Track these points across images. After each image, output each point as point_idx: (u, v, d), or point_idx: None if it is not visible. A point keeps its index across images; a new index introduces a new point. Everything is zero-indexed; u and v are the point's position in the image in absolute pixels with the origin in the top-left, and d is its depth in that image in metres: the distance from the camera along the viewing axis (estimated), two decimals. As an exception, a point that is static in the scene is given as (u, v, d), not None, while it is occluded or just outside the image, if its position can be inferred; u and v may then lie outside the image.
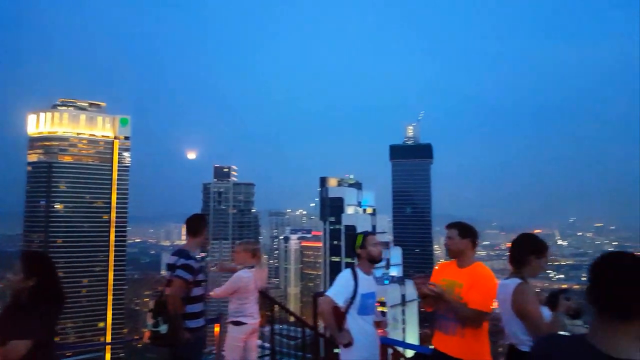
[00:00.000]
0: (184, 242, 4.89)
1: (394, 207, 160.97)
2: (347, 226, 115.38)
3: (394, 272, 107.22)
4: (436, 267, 4.22)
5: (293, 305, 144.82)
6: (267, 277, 6.23)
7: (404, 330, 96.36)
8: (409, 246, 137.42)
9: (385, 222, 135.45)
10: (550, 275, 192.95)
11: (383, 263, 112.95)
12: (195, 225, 4.87)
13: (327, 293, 4.09)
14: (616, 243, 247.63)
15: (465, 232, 3.89)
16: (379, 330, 4.38)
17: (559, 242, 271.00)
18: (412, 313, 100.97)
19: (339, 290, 4.08)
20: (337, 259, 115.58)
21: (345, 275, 4.21)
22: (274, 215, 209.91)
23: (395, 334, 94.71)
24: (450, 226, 3.95)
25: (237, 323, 5.43)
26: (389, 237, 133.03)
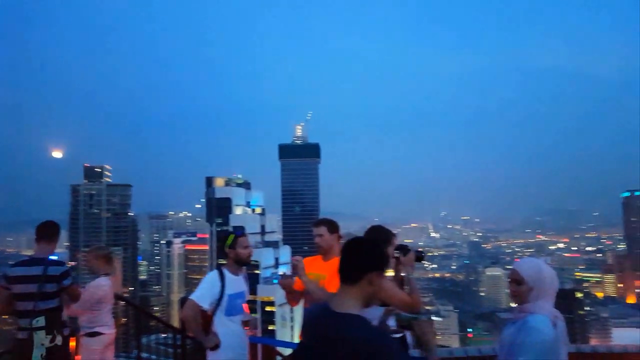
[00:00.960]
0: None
1: (284, 206, 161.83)
2: (235, 227, 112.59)
3: (283, 270, 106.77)
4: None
5: (177, 313, 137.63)
6: (121, 283, 5.76)
7: (292, 328, 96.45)
8: (298, 244, 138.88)
9: (274, 222, 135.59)
10: (425, 265, 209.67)
11: (272, 262, 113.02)
12: (45, 231, 4.53)
13: (191, 297, 3.95)
14: (480, 234, 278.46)
15: (334, 228, 4.05)
16: (247, 329, 4.34)
17: (432, 234, 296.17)
18: (301, 311, 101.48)
19: (203, 294, 3.97)
20: (224, 262, 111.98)
21: (210, 277, 4.12)
22: (155, 218, 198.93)
23: (283, 333, 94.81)
24: (318, 224, 4.06)
25: (93, 334, 4.90)
26: (278, 237, 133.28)
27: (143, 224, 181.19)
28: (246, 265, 4.35)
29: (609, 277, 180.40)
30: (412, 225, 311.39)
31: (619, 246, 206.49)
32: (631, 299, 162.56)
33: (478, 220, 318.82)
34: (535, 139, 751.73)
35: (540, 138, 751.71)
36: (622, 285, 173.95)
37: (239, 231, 4.49)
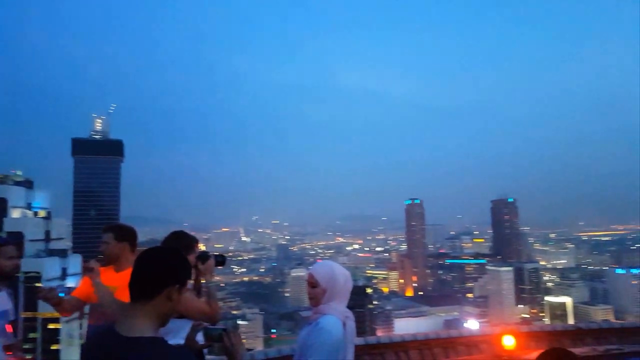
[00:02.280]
0: None
1: (75, 209, 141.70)
2: (10, 233, 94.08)
3: (72, 283, 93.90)
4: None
5: None
6: None
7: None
8: (91, 253, 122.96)
9: (63, 227, 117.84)
10: (234, 269, 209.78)
11: (57, 273, 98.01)
12: None
13: None
14: (288, 237, 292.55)
15: (123, 235, 3.63)
16: (9, 354, 3.51)
17: (243, 238, 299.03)
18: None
19: None
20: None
21: None
22: None
23: (70, 353, 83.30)
24: (105, 230, 3.66)
25: None
26: (67, 244, 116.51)
27: None
28: (10, 279, 3.57)
29: (393, 274, 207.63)
30: (224, 229, 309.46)
31: (401, 246, 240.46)
32: (409, 292, 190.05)
33: (287, 224, 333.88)
34: (337, 153, 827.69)
35: (340, 152, 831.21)
36: (402, 280, 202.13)
37: (2, 239, 3.67)
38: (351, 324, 2.64)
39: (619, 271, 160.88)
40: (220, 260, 3.48)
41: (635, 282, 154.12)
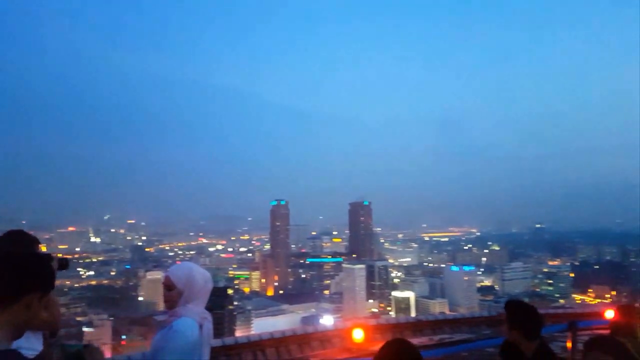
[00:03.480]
0: None
1: None
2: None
3: None
4: None
5: None
6: None
7: None
8: None
9: None
10: (80, 272, 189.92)
11: None
12: None
13: None
14: (145, 237, 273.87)
15: None
16: None
17: (93, 239, 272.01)
18: None
19: None
20: None
21: None
22: None
23: None
24: None
25: None
26: None
27: None
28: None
29: (255, 274, 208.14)
30: (70, 229, 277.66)
31: (265, 247, 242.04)
32: (270, 292, 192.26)
33: (144, 223, 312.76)
34: (206, 153, 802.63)
35: (211, 151, 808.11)
36: (264, 280, 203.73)
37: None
38: (208, 326, 2.61)
39: (454, 268, 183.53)
40: (63, 263, 3.15)
41: (467, 278, 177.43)
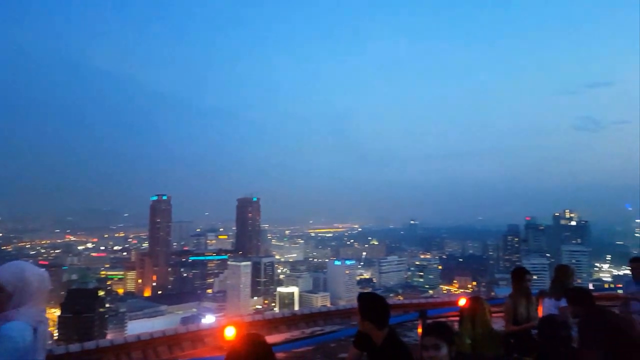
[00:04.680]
0: None
1: None
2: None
3: None
4: None
5: None
6: None
7: None
8: None
9: None
10: None
11: None
12: None
13: None
14: (1, 234, 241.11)
15: None
16: None
17: None
18: None
19: None
20: None
21: None
22: None
23: None
24: None
25: None
26: None
27: None
28: None
29: (131, 274, 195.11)
30: None
31: (143, 245, 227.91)
32: (147, 293, 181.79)
33: (0, 218, 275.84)
34: (74, 140, 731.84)
35: (79, 139, 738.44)
36: (141, 280, 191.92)
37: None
38: (44, 329, 2.45)
39: (337, 263, 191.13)
40: None
41: (348, 271, 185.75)
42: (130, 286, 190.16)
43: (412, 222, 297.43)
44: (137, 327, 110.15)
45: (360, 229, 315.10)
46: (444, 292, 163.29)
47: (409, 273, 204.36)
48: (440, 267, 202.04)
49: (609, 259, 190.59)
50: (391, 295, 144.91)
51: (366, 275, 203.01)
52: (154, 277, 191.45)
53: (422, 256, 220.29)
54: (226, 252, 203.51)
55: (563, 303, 5.79)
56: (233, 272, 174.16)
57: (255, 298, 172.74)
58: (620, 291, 8.18)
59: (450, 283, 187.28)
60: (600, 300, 9.56)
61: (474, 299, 4.74)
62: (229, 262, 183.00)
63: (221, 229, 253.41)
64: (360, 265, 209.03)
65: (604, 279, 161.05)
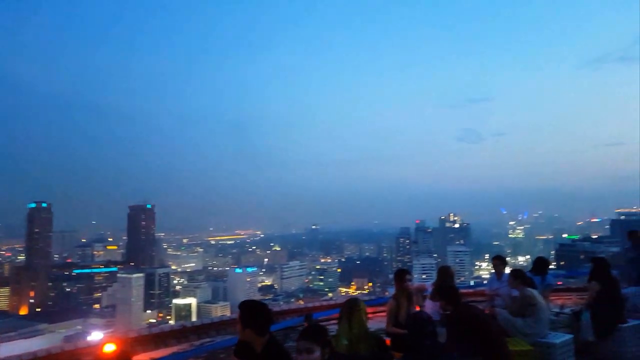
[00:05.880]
0: None
1: None
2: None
3: None
4: None
5: None
6: None
7: None
8: None
9: None
10: None
11: None
12: None
13: None
14: None
15: None
16: None
17: None
18: None
19: None
20: None
21: None
22: None
23: None
24: None
25: None
26: None
27: None
28: None
29: (4, 290, 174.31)
30: None
31: (19, 257, 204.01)
32: (24, 311, 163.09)
33: None
34: None
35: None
36: (16, 297, 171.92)
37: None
38: None
39: (238, 270, 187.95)
40: None
41: (249, 279, 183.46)
42: (3, 304, 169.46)
43: (313, 227, 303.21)
44: (10, 349, 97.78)
45: (262, 235, 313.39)
46: (343, 294, 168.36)
47: (310, 277, 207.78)
48: (339, 270, 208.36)
49: (487, 257, 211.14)
50: (292, 300, 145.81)
51: (268, 282, 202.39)
52: (32, 293, 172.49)
53: (322, 260, 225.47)
54: (116, 263, 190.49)
55: None
56: (123, 284, 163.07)
57: (149, 311, 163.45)
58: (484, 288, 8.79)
59: (348, 285, 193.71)
60: (473, 296, 10.27)
61: (351, 300, 4.83)
62: (118, 275, 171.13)
63: (110, 239, 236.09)
64: (262, 272, 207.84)
65: (483, 276, 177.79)
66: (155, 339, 8.88)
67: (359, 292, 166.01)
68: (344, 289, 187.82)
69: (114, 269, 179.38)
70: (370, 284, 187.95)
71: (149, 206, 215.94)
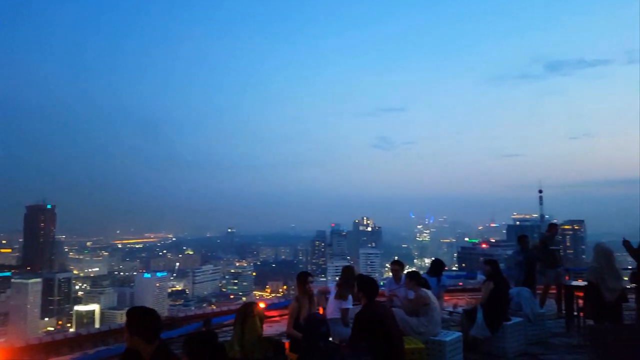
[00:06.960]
0: None
1: None
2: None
3: None
4: None
5: None
6: None
7: None
8: None
9: None
10: None
11: None
12: None
13: None
14: None
15: None
16: None
17: None
18: None
19: None
20: None
21: None
22: None
23: None
24: None
25: None
26: None
27: None
28: None
29: None
30: None
31: None
32: None
33: None
34: None
35: None
36: None
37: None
38: None
39: (146, 276, 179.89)
40: None
41: (159, 284, 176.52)
42: None
43: (229, 230, 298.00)
44: None
45: (174, 239, 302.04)
46: (257, 297, 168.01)
47: (224, 281, 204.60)
48: (254, 274, 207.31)
49: (396, 259, 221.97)
50: (204, 305, 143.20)
51: (179, 287, 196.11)
52: None
53: (237, 264, 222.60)
54: (10, 267, 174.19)
55: (346, 304, 6.53)
56: (18, 290, 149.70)
57: (47, 319, 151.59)
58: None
59: (263, 289, 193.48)
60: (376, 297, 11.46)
61: (246, 305, 4.70)
62: (12, 280, 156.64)
63: (4, 241, 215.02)
64: (173, 276, 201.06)
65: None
66: (46, 347, 8.66)
67: (274, 295, 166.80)
68: (259, 293, 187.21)
69: (8, 273, 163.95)
70: (285, 287, 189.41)
71: (49, 206, 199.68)
